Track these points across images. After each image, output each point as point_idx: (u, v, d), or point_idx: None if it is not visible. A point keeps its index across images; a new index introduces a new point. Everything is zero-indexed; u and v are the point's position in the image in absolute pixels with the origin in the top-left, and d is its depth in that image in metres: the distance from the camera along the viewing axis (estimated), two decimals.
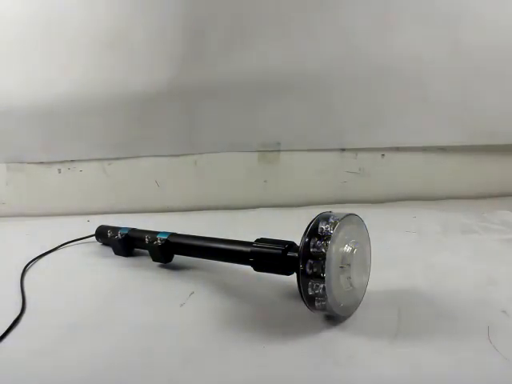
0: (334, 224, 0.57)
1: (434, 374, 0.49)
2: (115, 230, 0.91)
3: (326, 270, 0.55)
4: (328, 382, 0.50)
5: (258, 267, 0.67)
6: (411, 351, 0.53)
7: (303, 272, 0.56)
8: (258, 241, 0.67)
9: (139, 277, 0.80)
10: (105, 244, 0.97)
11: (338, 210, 0.61)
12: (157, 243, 0.81)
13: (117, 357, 0.56)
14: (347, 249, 0.58)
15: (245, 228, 1.03)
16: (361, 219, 0.62)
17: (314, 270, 0.56)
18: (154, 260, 0.83)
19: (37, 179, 1.25)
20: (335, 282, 0.57)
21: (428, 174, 1.19)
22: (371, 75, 1.12)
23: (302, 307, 0.59)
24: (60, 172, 1.25)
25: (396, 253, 0.83)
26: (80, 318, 0.66)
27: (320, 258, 0.56)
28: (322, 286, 0.56)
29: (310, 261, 0.56)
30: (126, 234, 0.89)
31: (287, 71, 1.13)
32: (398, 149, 1.18)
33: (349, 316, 0.61)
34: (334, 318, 0.60)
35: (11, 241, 1.06)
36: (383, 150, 1.18)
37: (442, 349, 0.53)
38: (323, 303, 0.57)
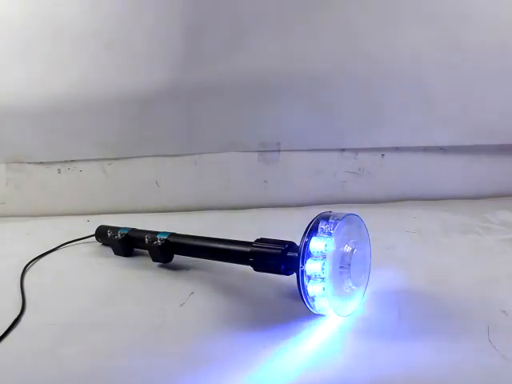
0: (334, 224, 0.57)
1: (433, 374, 0.49)
2: (115, 230, 0.91)
3: (325, 270, 0.55)
4: (328, 382, 0.50)
5: (257, 267, 0.67)
6: (411, 351, 0.53)
7: (303, 272, 0.56)
8: (257, 241, 0.67)
9: (139, 277, 0.80)
10: (105, 244, 0.96)
11: (338, 210, 0.61)
12: (157, 243, 0.81)
13: (116, 357, 0.56)
14: (347, 249, 0.58)
15: (245, 228, 1.03)
16: (361, 219, 0.62)
17: (314, 270, 0.56)
18: (153, 260, 0.83)
19: (37, 179, 1.25)
20: (335, 282, 0.57)
21: (428, 173, 1.19)
22: (371, 75, 1.11)
23: (302, 307, 0.59)
24: (60, 172, 1.25)
25: (396, 253, 0.83)
26: (80, 317, 0.66)
27: (320, 258, 0.56)
28: (322, 286, 0.56)
29: (309, 261, 0.56)
30: (126, 234, 0.89)
31: (287, 71, 1.13)
32: (397, 149, 1.18)
33: (349, 316, 0.61)
34: (333, 318, 0.60)
35: (11, 241, 1.06)
36: (383, 150, 1.18)
37: (442, 349, 0.53)
38: (323, 303, 0.57)
